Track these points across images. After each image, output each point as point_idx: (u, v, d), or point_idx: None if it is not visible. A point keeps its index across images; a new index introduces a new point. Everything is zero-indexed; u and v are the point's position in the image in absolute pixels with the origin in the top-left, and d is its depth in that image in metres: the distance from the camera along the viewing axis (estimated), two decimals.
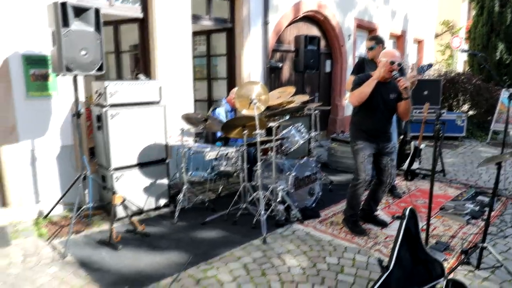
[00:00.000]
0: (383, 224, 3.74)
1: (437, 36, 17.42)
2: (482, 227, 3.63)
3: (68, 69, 3.39)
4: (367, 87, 3.30)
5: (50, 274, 2.93)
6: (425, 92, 8.27)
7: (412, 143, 5.30)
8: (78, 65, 3.45)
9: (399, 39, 11.15)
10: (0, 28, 3.61)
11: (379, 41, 4.53)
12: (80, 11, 3.45)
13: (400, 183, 5.15)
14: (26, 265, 3.06)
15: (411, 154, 5.28)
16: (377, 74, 3.32)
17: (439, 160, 5.48)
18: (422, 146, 5.29)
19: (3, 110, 3.73)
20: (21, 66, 3.79)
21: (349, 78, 5.13)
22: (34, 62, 3.85)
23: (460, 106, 9.54)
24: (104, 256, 3.22)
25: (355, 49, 8.95)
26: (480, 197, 4.52)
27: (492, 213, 4.04)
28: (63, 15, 3.30)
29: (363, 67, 4.63)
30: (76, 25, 3.42)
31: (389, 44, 10.62)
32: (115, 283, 2.80)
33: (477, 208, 4.09)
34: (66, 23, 3.33)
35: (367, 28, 9.39)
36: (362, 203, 3.77)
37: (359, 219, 3.75)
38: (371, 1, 9.19)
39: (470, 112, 9.78)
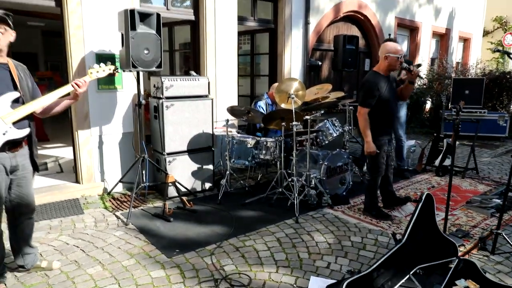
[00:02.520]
0: (408, 200, 4.07)
1: (487, 33, 16.79)
2: (507, 220, 3.86)
3: (134, 66, 3.99)
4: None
5: (116, 236, 3.54)
6: (466, 91, 8.24)
7: (445, 140, 5.48)
8: (142, 62, 4.04)
9: (443, 38, 11.05)
10: (80, 31, 4.29)
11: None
12: (144, 16, 4.04)
13: (431, 178, 5.36)
14: (98, 228, 3.70)
15: (443, 151, 5.47)
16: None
17: (471, 158, 5.60)
18: None
19: (79, 100, 4.40)
20: (94, 63, 4.42)
21: None
22: (105, 59, 4.44)
23: (505, 106, 9.36)
24: (158, 225, 3.79)
25: None
26: (510, 194, 4.64)
27: None
28: (131, 20, 3.90)
29: None
30: (141, 28, 4.02)
31: (432, 43, 10.58)
32: (168, 246, 3.34)
33: None
34: (133, 27, 3.93)
35: (408, 27, 9.46)
36: (380, 192, 4.14)
37: (385, 207, 4.11)
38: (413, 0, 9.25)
39: None
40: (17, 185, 2.51)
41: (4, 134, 2.35)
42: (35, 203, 2.73)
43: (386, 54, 3.64)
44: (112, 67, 3.04)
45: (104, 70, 2.97)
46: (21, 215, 2.62)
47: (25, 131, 2.48)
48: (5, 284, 2.59)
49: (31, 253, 2.81)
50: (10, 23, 2.40)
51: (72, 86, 2.65)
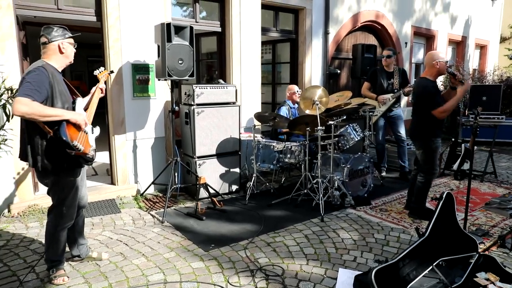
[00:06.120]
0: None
1: (504, 40, 16.77)
2: None
3: (169, 75, 4.31)
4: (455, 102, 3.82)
5: (154, 232, 3.82)
6: (484, 98, 8.34)
7: (463, 145, 5.63)
8: (177, 72, 4.36)
9: (459, 45, 11.17)
10: (118, 43, 4.64)
11: (394, 52, 5.60)
12: (179, 29, 4.37)
13: (449, 182, 5.51)
14: (136, 225, 3.99)
15: (461, 155, 5.62)
16: (461, 94, 3.79)
17: (490, 162, 5.74)
18: None
19: (116, 107, 4.75)
20: (130, 73, 4.80)
21: (364, 84, 5.97)
22: (140, 69, 4.85)
23: None
24: (192, 224, 4.06)
25: (412, 56, 9.25)
26: None
27: None
28: (167, 33, 4.23)
29: (376, 75, 5.71)
30: (176, 40, 4.34)
31: (448, 51, 10.71)
32: (204, 241, 3.60)
33: None
34: (169, 39, 4.25)
35: (424, 35, 9.63)
36: (407, 193, 4.34)
37: (405, 208, 4.31)
38: (429, 8, 9.43)
39: None
40: (80, 178, 2.82)
41: (92, 133, 2.77)
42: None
43: (436, 61, 3.85)
44: (108, 70, 3.23)
45: (102, 71, 3.13)
46: (79, 207, 2.92)
47: (99, 129, 2.87)
48: (64, 270, 2.88)
49: (84, 243, 3.11)
50: None
51: (101, 91, 2.98)
